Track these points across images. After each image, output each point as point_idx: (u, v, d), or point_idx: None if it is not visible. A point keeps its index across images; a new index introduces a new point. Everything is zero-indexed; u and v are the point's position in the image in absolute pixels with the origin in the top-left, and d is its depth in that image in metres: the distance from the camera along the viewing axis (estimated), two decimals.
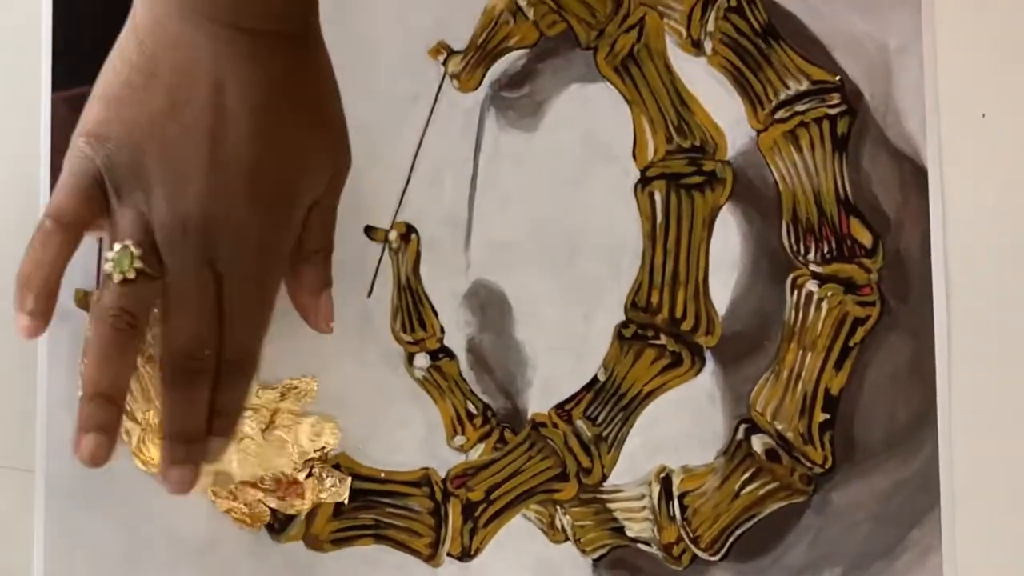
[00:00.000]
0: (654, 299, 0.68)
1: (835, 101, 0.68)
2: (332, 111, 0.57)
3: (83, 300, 0.68)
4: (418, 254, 0.68)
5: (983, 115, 0.67)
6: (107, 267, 0.52)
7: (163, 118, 0.50)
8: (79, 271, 0.68)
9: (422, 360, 0.68)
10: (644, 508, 0.67)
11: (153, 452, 0.67)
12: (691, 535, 0.67)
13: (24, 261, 0.53)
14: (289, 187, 0.54)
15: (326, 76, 0.57)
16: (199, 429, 0.54)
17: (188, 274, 0.51)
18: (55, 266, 0.52)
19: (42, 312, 0.53)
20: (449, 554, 0.68)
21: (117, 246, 0.51)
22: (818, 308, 0.67)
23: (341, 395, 0.68)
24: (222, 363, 0.54)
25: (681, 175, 0.68)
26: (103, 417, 0.53)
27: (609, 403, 0.68)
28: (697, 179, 0.68)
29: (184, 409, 0.54)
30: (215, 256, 0.52)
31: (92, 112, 0.52)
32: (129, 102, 0.51)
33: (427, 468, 0.68)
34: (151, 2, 0.51)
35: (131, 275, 0.51)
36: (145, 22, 0.51)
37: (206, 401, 0.54)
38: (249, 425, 0.66)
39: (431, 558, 0.67)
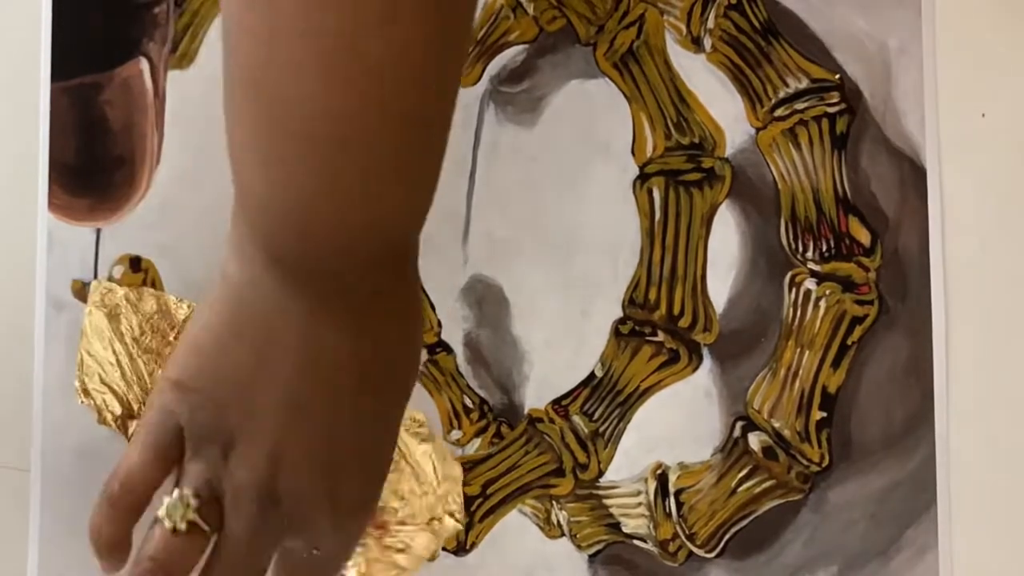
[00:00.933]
0: (652, 296, 0.68)
1: (834, 100, 0.67)
2: (415, 373, 0.52)
3: (80, 291, 0.68)
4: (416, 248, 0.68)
5: (983, 115, 0.67)
6: (159, 512, 0.48)
7: (250, 379, 0.47)
8: (77, 262, 0.68)
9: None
10: (640, 504, 0.67)
11: None
12: (687, 532, 0.67)
13: (94, 516, 0.50)
14: (377, 458, 0.51)
15: (419, 331, 0.53)
16: None
17: (247, 541, 0.48)
18: (121, 530, 0.49)
19: (119, 563, 0.49)
20: (445, 548, 0.67)
21: (176, 493, 0.48)
22: (816, 306, 0.67)
23: None
24: None
25: (680, 172, 0.68)
26: None
27: (606, 399, 0.68)
28: (696, 176, 0.68)
29: None
30: (286, 529, 0.49)
31: (181, 359, 0.49)
32: (217, 357, 0.48)
33: None
34: (245, 264, 0.48)
35: (182, 526, 0.47)
36: (238, 279, 0.48)
37: None
38: None
39: None
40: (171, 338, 0.68)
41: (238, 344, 0.47)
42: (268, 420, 0.47)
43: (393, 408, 0.50)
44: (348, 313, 0.47)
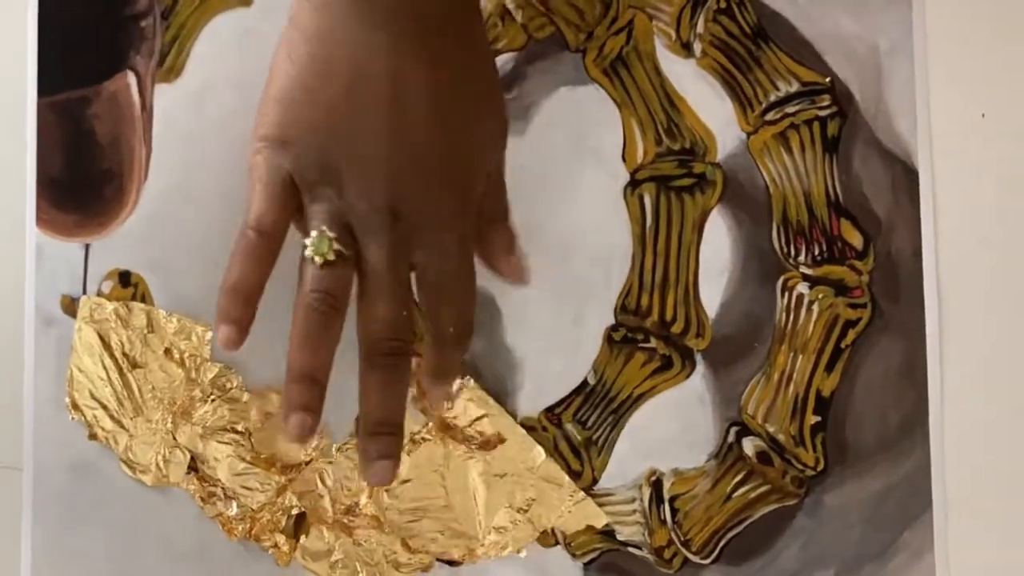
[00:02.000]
0: (644, 302, 0.67)
1: (825, 103, 0.67)
2: (496, 88, 0.59)
3: (70, 307, 0.68)
4: None
5: (983, 114, 0.67)
6: (307, 252, 0.53)
7: (345, 116, 0.52)
8: (65, 278, 0.68)
9: None
10: (635, 511, 0.67)
11: (140, 457, 0.67)
12: (682, 538, 0.67)
13: (228, 272, 0.54)
14: (470, 164, 0.56)
15: (488, 53, 0.59)
16: (399, 418, 0.55)
17: (385, 259, 0.53)
18: (260, 275, 0.54)
19: (246, 322, 0.54)
20: (439, 560, 0.67)
21: (313, 233, 0.53)
22: (809, 310, 0.67)
23: (329, 398, 0.67)
24: (438, 337, 0.56)
25: (671, 177, 0.68)
26: (308, 397, 0.54)
27: (599, 406, 0.67)
28: (687, 181, 0.68)
29: (384, 397, 0.55)
30: (412, 241, 0.53)
31: (269, 116, 0.54)
32: (308, 104, 0.53)
33: None
34: (322, 12, 0.53)
35: (331, 257, 0.53)
36: (316, 28, 0.53)
37: (406, 389, 0.55)
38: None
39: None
40: (161, 352, 0.68)
41: (327, 86, 0.52)
42: (370, 148, 0.52)
43: (480, 122, 0.56)
44: (424, 45, 0.52)
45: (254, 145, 0.54)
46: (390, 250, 0.53)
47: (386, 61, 0.52)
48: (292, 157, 0.53)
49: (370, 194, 0.52)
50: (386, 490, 0.67)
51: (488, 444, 0.66)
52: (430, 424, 0.67)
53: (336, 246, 0.53)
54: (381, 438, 0.55)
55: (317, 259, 0.53)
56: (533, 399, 0.68)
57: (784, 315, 0.67)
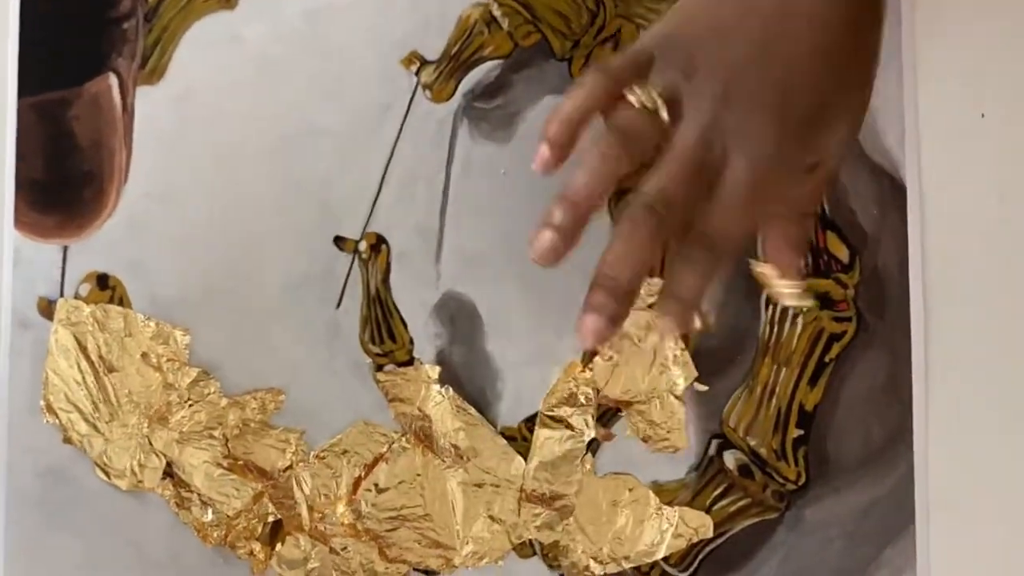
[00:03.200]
0: None
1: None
2: (869, 82, 0.58)
3: (47, 309, 0.68)
4: (388, 265, 0.68)
5: (982, 114, 0.67)
6: (631, 98, 0.53)
7: (723, 27, 0.54)
8: (43, 280, 0.68)
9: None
10: None
11: (116, 462, 0.67)
12: None
13: (563, 101, 0.54)
14: (821, 124, 0.55)
15: (875, 56, 0.58)
16: (634, 284, 0.53)
17: (697, 140, 0.52)
18: (588, 106, 0.54)
19: (562, 146, 0.54)
20: (417, 569, 0.67)
21: (643, 85, 0.53)
22: (793, 323, 0.67)
23: (309, 406, 0.68)
24: (697, 237, 0.53)
25: None
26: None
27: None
28: None
29: (626, 256, 0.52)
30: (731, 143, 0.53)
31: (668, 17, 0.56)
32: (700, 8, 0.55)
33: None
34: None
35: (649, 104, 0.53)
36: None
37: (653, 260, 0.53)
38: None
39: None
40: (138, 356, 0.68)
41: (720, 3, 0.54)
42: (729, 54, 0.53)
43: (846, 94, 0.56)
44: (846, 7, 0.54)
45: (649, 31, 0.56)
46: (704, 134, 0.52)
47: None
48: (663, 43, 0.54)
49: (711, 85, 0.53)
50: (365, 494, 0.67)
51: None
52: (408, 434, 0.67)
53: (657, 99, 0.52)
54: (604, 291, 0.52)
55: (634, 100, 0.53)
56: (513, 408, 0.68)
57: (768, 328, 0.67)
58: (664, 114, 0.52)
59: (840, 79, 0.55)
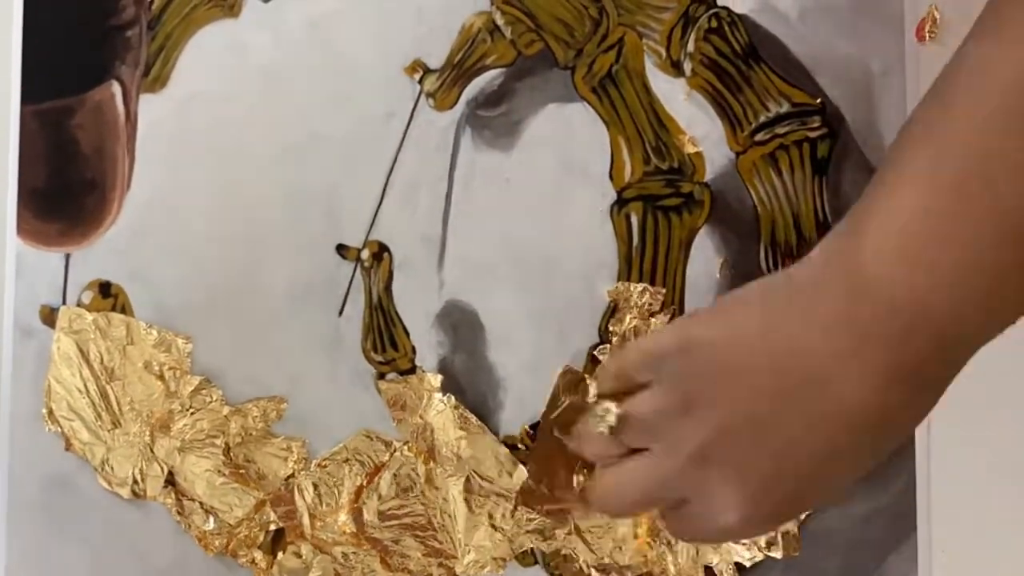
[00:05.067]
0: None
1: (816, 124, 0.67)
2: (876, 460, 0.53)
3: (49, 317, 0.68)
4: (391, 273, 0.68)
5: None
6: (594, 412, 0.54)
7: (745, 370, 0.49)
8: (45, 287, 0.68)
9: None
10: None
11: (118, 471, 0.67)
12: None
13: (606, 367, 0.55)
14: (804, 500, 0.52)
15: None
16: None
17: (656, 480, 0.52)
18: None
19: None
20: None
21: (602, 409, 0.53)
22: None
23: (311, 414, 0.68)
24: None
25: (658, 197, 0.68)
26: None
27: None
28: (674, 201, 0.67)
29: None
30: (689, 488, 0.51)
31: (706, 313, 0.53)
32: (731, 338, 0.50)
33: None
34: (815, 260, 0.50)
35: (600, 429, 0.53)
36: (804, 283, 0.49)
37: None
38: None
39: None
40: (140, 364, 0.68)
41: (759, 338, 0.49)
42: (730, 409, 0.49)
43: (850, 479, 0.51)
44: (891, 368, 0.47)
45: (684, 321, 0.54)
46: (664, 483, 0.51)
47: (831, 366, 0.48)
48: (678, 356, 0.51)
49: (700, 435, 0.50)
50: (366, 503, 0.67)
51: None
52: (410, 442, 0.67)
53: (605, 429, 0.53)
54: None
55: (591, 421, 0.53)
56: (516, 416, 0.67)
57: None
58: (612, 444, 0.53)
59: (845, 461, 0.51)
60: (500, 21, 0.68)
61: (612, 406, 0.53)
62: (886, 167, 0.48)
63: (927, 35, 0.67)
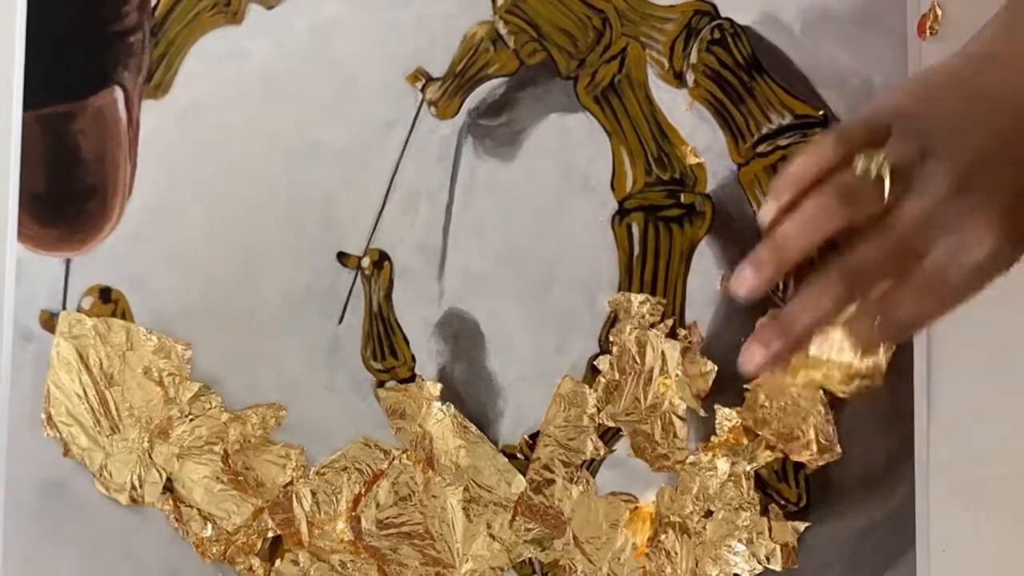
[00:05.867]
0: None
1: (818, 135, 0.67)
2: None
3: (48, 322, 0.68)
4: (391, 281, 0.68)
5: None
6: (859, 164, 0.53)
7: (969, 113, 0.54)
8: (45, 292, 0.68)
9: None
10: None
11: (116, 476, 0.67)
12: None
13: (795, 161, 0.54)
14: None
15: None
16: (803, 337, 0.55)
17: (916, 226, 0.53)
18: (818, 168, 0.54)
19: (782, 205, 0.55)
20: None
21: (874, 153, 0.53)
22: None
23: (309, 421, 0.67)
24: (883, 316, 0.54)
25: (660, 207, 0.68)
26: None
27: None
28: (676, 212, 0.67)
29: (806, 312, 0.54)
30: (947, 238, 0.52)
31: (904, 89, 0.56)
32: (942, 94, 0.55)
33: None
34: (988, 38, 0.56)
35: (873, 172, 0.53)
36: (982, 50, 0.56)
37: (830, 322, 0.55)
38: None
39: None
40: (139, 371, 0.67)
41: (970, 87, 0.54)
42: (974, 143, 0.53)
43: None
44: None
45: (891, 96, 0.56)
46: (925, 220, 0.53)
47: None
48: (902, 116, 0.54)
49: (950, 177, 0.52)
50: (365, 511, 0.66)
51: None
52: (409, 451, 0.67)
53: (884, 171, 0.52)
54: (775, 330, 0.54)
55: (859, 169, 0.53)
56: (515, 426, 0.67)
57: None
58: (887, 188, 0.52)
59: None
60: (503, 30, 0.68)
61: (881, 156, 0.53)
62: None
63: (928, 31, 0.67)
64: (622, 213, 0.68)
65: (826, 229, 0.53)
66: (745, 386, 0.66)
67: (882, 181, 0.52)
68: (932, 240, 0.52)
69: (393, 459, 0.67)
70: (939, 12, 0.67)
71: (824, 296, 0.53)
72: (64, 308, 0.68)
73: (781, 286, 0.66)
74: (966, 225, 0.52)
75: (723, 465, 0.66)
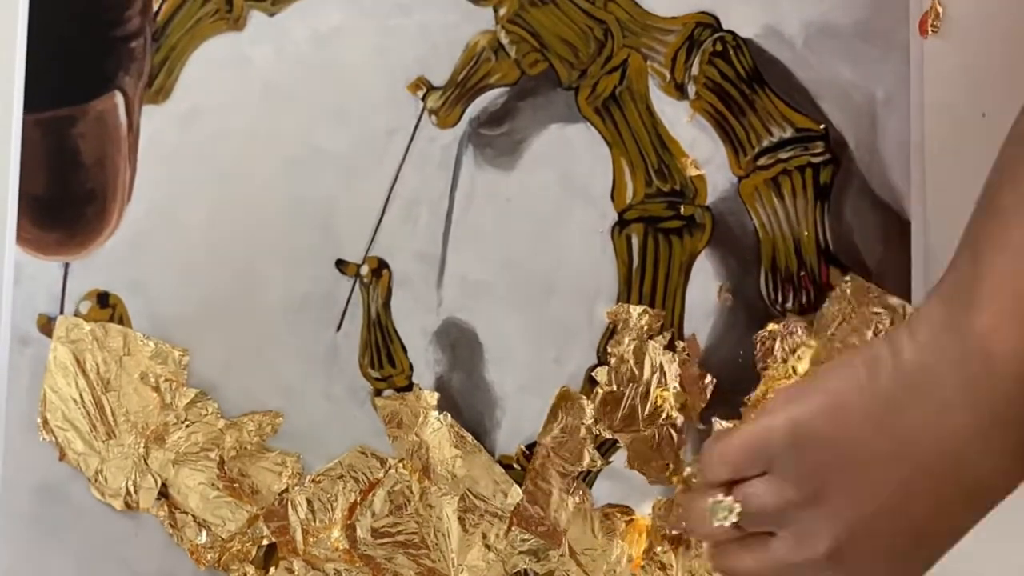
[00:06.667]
0: None
1: (819, 150, 0.67)
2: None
3: (46, 326, 0.67)
4: (389, 289, 0.68)
5: (983, 112, 0.66)
6: (707, 503, 0.54)
7: (873, 460, 0.49)
8: (43, 296, 0.68)
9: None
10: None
11: (111, 481, 0.67)
12: None
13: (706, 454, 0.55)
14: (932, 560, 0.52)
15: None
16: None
17: (788, 566, 0.52)
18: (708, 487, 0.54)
19: None
20: None
21: (729, 500, 0.53)
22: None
23: (306, 429, 0.67)
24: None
25: (660, 219, 0.67)
26: None
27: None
28: (675, 223, 0.67)
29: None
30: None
31: (812, 400, 0.51)
32: (853, 422, 0.50)
33: None
34: (938, 350, 0.48)
35: (714, 523, 0.53)
36: (915, 361, 0.49)
37: None
38: None
39: None
40: (136, 376, 0.67)
41: (883, 424, 0.48)
42: (864, 507, 0.48)
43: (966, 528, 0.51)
44: (1014, 440, 0.47)
45: (774, 405, 0.53)
46: (798, 563, 0.51)
47: (955, 445, 0.48)
48: (794, 445, 0.51)
49: (831, 532, 0.50)
50: (360, 520, 0.66)
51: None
52: (405, 460, 0.67)
53: (733, 519, 0.53)
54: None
55: (707, 512, 0.53)
56: (512, 436, 0.67)
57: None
58: (735, 533, 0.53)
59: (970, 523, 0.51)
60: (504, 40, 0.68)
61: (732, 501, 0.53)
62: (981, 235, 0.48)
63: (930, 29, 0.67)
64: (622, 224, 0.68)
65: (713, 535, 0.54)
66: (744, 399, 0.66)
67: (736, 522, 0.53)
68: None
69: (389, 468, 0.67)
70: (940, 10, 0.67)
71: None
72: (62, 312, 0.68)
73: (780, 298, 0.66)
74: None
75: None
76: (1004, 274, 0.46)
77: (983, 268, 0.47)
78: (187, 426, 0.67)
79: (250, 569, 0.67)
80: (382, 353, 0.68)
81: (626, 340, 0.67)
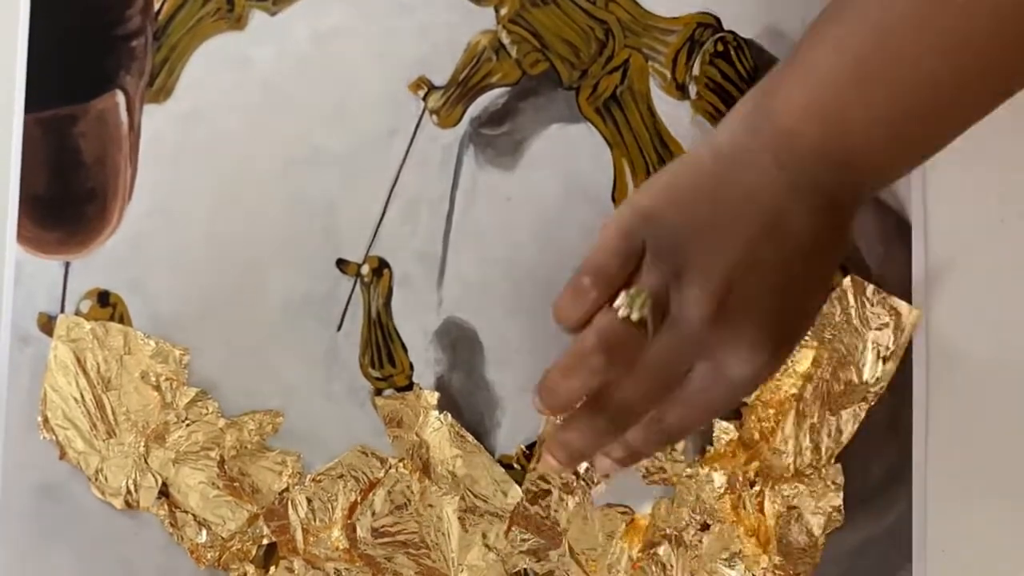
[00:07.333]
0: None
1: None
2: (839, 260, 0.58)
3: (47, 325, 0.68)
4: (390, 289, 0.68)
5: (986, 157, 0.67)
6: (617, 302, 0.53)
7: (718, 224, 0.53)
8: (44, 296, 0.68)
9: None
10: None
11: (111, 480, 0.67)
12: None
13: (557, 305, 0.56)
14: (798, 325, 0.55)
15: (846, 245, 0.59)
16: (570, 467, 0.57)
17: (675, 354, 0.53)
18: (582, 309, 0.54)
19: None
20: None
21: (634, 289, 0.53)
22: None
23: (306, 428, 0.67)
24: (651, 426, 0.55)
25: None
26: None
27: None
28: None
29: (567, 445, 0.55)
30: (709, 351, 0.53)
31: (657, 191, 0.54)
32: (693, 197, 0.53)
33: None
34: (753, 132, 0.54)
35: (635, 315, 0.52)
36: (735, 143, 0.54)
37: (604, 444, 0.56)
38: None
39: None
40: (136, 375, 0.67)
41: (716, 193, 0.53)
42: (724, 260, 0.52)
43: (826, 281, 0.57)
44: (823, 199, 0.53)
45: (623, 209, 0.55)
46: (683, 347, 0.53)
47: (776, 200, 0.52)
48: (654, 231, 0.53)
49: (703, 290, 0.52)
50: (360, 519, 0.66)
51: None
52: (405, 459, 0.67)
53: (646, 310, 0.52)
54: (550, 451, 0.56)
55: (622, 311, 0.52)
56: (512, 436, 0.67)
57: None
58: (650, 329, 0.52)
59: (821, 281, 0.56)
60: (505, 40, 0.68)
61: (634, 290, 0.53)
62: (807, 34, 0.54)
63: None
64: None
65: (590, 383, 0.54)
66: (744, 400, 0.66)
67: (644, 321, 0.52)
68: (694, 366, 0.53)
69: (389, 467, 0.67)
70: None
71: (590, 434, 0.54)
72: (62, 311, 0.68)
73: None
74: (728, 350, 0.52)
75: (720, 478, 0.66)
76: (813, 62, 0.53)
77: (796, 59, 0.53)
78: (187, 425, 0.67)
79: (250, 568, 0.67)
80: (382, 353, 0.68)
81: None
